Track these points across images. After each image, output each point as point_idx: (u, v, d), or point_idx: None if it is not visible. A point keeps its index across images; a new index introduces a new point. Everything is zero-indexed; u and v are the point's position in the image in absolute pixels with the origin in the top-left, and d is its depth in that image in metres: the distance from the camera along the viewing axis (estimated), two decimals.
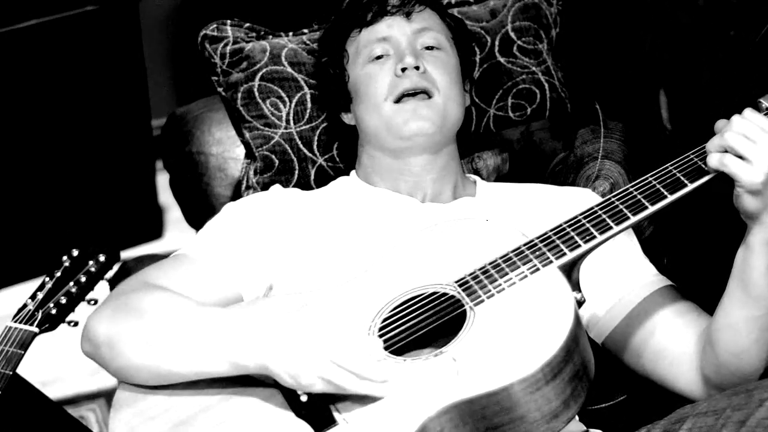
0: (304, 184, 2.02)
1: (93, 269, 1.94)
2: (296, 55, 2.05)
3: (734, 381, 1.59)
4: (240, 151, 2.09)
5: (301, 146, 2.02)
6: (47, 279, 1.93)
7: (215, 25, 2.08)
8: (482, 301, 1.53)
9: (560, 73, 2.09)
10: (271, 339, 1.49)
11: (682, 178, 1.54)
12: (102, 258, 1.96)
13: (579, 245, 1.54)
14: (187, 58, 3.19)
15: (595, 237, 1.54)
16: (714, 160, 1.52)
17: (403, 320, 1.56)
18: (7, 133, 2.90)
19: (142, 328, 1.57)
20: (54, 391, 2.73)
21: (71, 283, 1.93)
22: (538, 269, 1.53)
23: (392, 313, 1.57)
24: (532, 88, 2.06)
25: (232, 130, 2.09)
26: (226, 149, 2.11)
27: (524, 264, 1.54)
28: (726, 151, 1.51)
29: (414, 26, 1.85)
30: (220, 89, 2.07)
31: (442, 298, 1.56)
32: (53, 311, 1.89)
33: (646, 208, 1.54)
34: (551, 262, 1.53)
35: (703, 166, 1.54)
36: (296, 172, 2.02)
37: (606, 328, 1.72)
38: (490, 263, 1.56)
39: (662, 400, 1.70)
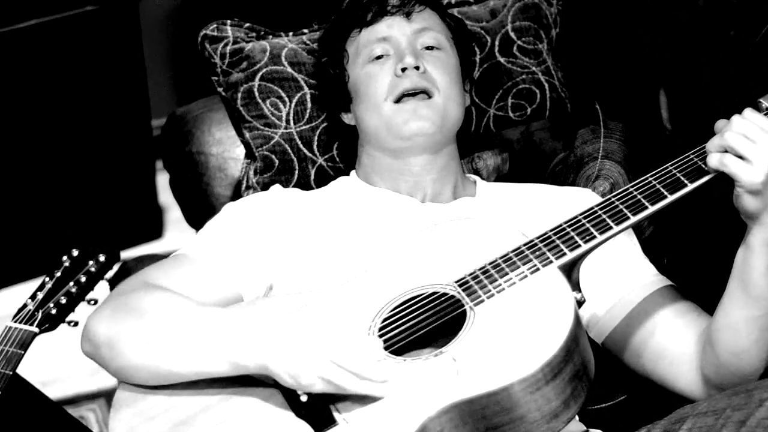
0: (304, 184, 2.02)
1: (93, 269, 1.94)
2: (296, 55, 2.05)
3: (734, 381, 1.59)
4: (240, 151, 2.09)
5: (301, 146, 2.02)
6: (47, 279, 1.93)
7: (215, 25, 2.08)
8: (482, 301, 1.53)
9: (560, 73, 2.09)
10: (271, 339, 1.49)
11: (682, 178, 1.54)
12: (102, 258, 1.96)
13: (579, 245, 1.54)
14: (187, 58, 3.19)
15: (595, 237, 1.54)
16: (714, 160, 1.52)
17: (403, 320, 1.56)
18: (7, 133, 2.90)
19: (141, 328, 1.57)
20: (54, 391, 2.73)
21: (71, 283, 1.93)
22: (538, 269, 1.53)
23: (392, 313, 1.57)
24: (532, 88, 2.06)
25: (232, 130, 2.09)
26: (226, 149, 2.11)
27: (524, 264, 1.54)
28: (726, 151, 1.51)
29: (414, 26, 1.85)
30: (220, 89, 2.07)
31: (442, 298, 1.56)
32: (53, 311, 1.89)
33: (646, 208, 1.54)
34: (551, 262, 1.53)
35: (703, 166, 1.54)
36: (296, 172, 2.02)
37: (606, 328, 1.72)
38: (490, 263, 1.56)
39: (662, 400, 1.70)
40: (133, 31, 2.94)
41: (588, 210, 1.56)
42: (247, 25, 2.09)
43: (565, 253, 1.53)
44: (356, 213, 1.80)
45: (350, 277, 1.64)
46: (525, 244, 1.56)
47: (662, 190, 1.54)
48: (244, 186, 2.05)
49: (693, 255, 2.07)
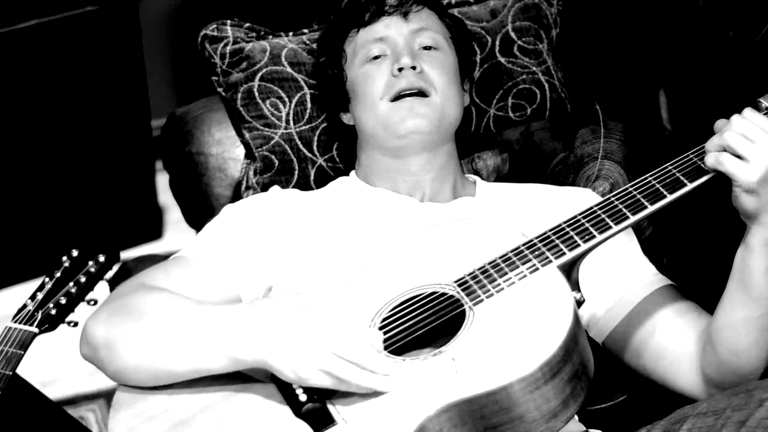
0: (303, 185, 2.02)
1: (93, 269, 1.94)
2: (296, 55, 2.05)
3: (735, 380, 1.59)
4: (240, 151, 2.09)
5: (300, 146, 2.02)
6: (47, 279, 1.93)
7: (215, 25, 2.08)
8: (481, 300, 1.52)
9: (560, 73, 2.09)
10: (270, 332, 1.49)
11: (681, 177, 1.54)
12: (102, 258, 1.95)
13: (578, 245, 1.54)
14: (187, 58, 3.19)
15: (594, 237, 1.54)
16: (711, 159, 1.52)
17: (403, 320, 1.56)
18: (7, 133, 2.90)
19: (140, 328, 1.57)
20: (54, 392, 2.73)
21: (71, 284, 1.93)
22: (537, 269, 1.53)
23: (391, 312, 1.57)
24: (532, 88, 2.06)
25: (232, 131, 2.09)
26: (225, 149, 2.11)
27: (523, 264, 1.54)
28: (725, 150, 1.51)
29: (411, 26, 1.85)
30: (220, 89, 2.07)
31: (442, 298, 1.56)
32: (53, 311, 1.89)
33: (646, 207, 1.54)
34: (550, 261, 1.53)
35: (703, 165, 1.54)
36: (296, 172, 2.02)
37: (606, 327, 1.72)
38: (489, 263, 1.56)
39: (662, 400, 1.70)
40: (133, 31, 2.94)
41: (587, 210, 1.56)
42: (247, 25, 2.09)
43: (564, 253, 1.53)
44: (355, 213, 1.80)
45: (350, 277, 1.64)
46: (524, 244, 1.56)
47: (661, 189, 1.54)
48: (243, 186, 2.05)
49: (693, 255, 2.07)
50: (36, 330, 1.87)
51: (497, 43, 2.07)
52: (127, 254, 2.38)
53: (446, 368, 1.47)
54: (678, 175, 1.55)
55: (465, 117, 1.90)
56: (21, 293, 2.48)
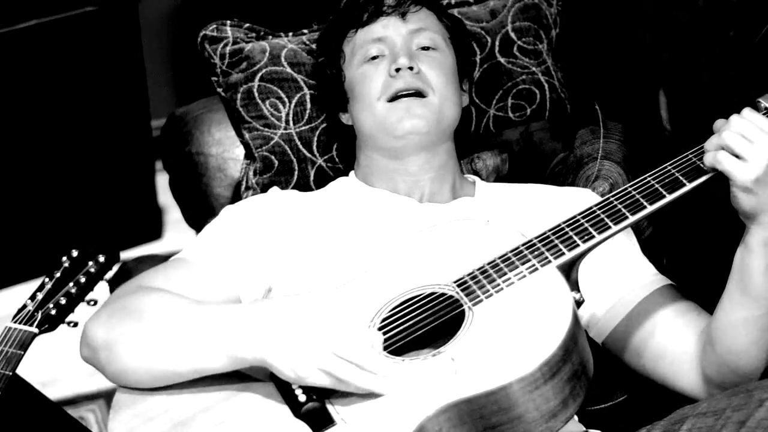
0: (303, 185, 2.02)
1: (93, 270, 1.94)
2: (296, 56, 2.05)
3: (735, 380, 1.59)
4: (240, 151, 2.09)
5: (300, 147, 2.02)
6: (47, 279, 1.93)
7: (215, 26, 2.08)
8: (481, 301, 1.53)
9: (560, 73, 2.09)
10: (269, 331, 1.49)
11: (680, 177, 1.54)
12: (102, 259, 1.95)
13: (578, 245, 1.54)
14: (187, 58, 3.19)
15: (593, 237, 1.54)
16: (709, 158, 1.52)
17: (402, 320, 1.56)
18: (7, 133, 2.90)
19: (139, 329, 1.57)
20: (53, 392, 2.73)
21: (71, 284, 1.92)
22: (536, 269, 1.53)
23: (391, 313, 1.57)
24: (532, 88, 2.06)
25: (232, 131, 2.09)
26: (225, 150, 2.11)
27: (523, 264, 1.54)
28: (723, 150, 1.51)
29: (409, 26, 1.85)
30: (219, 90, 2.07)
31: (441, 299, 1.56)
32: (53, 312, 1.89)
33: (645, 207, 1.54)
34: (550, 261, 1.53)
35: (702, 165, 1.54)
36: (296, 172, 2.02)
37: (606, 328, 1.72)
38: (488, 263, 1.56)
39: (662, 400, 1.70)
40: (132, 32, 2.94)
41: (587, 210, 1.56)
42: (247, 25, 2.09)
43: (563, 253, 1.53)
44: (355, 214, 1.80)
45: (349, 278, 1.64)
46: (524, 244, 1.56)
47: (661, 189, 1.54)
48: (243, 186, 2.05)
49: (693, 255, 2.07)
50: (36, 330, 1.87)
51: (497, 43, 2.07)
52: (127, 254, 2.39)
53: (445, 368, 1.47)
54: (677, 175, 1.55)
55: (464, 117, 1.90)
56: (21, 293, 2.48)
